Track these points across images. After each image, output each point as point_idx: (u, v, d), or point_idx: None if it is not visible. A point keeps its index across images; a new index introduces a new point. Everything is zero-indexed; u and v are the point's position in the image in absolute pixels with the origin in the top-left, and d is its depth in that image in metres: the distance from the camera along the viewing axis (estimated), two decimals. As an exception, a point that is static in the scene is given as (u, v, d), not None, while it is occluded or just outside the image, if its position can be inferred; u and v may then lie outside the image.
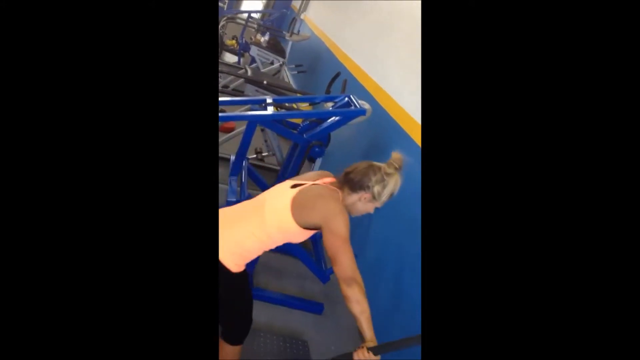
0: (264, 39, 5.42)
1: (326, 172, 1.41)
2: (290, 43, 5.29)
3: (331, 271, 2.10)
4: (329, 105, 2.43)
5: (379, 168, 1.29)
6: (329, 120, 2.21)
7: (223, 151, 2.95)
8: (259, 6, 8.76)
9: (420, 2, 2.15)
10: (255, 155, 3.23)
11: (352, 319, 1.16)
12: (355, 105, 2.22)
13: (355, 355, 1.12)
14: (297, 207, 1.24)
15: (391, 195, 1.30)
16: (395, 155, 1.30)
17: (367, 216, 1.40)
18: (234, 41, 5.80)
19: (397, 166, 1.28)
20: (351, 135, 2.94)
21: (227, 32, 6.14)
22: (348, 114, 2.18)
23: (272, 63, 5.10)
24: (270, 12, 7.66)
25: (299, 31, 5.45)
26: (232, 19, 5.82)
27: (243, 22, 5.49)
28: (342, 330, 2.12)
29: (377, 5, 3.23)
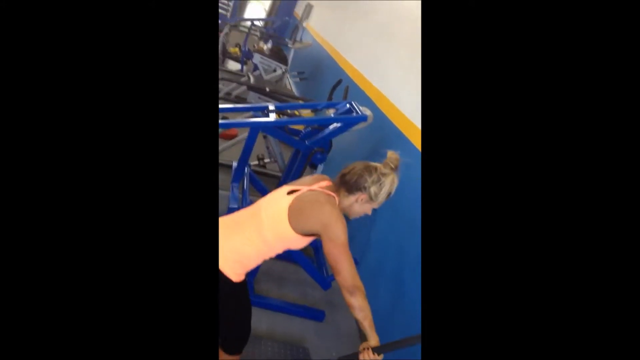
0: (266, 46, 5.46)
1: (322, 176, 1.38)
2: (292, 51, 5.32)
3: (332, 278, 2.10)
4: (331, 112, 2.44)
5: (375, 168, 1.27)
6: (331, 126, 2.22)
7: (225, 158, 2.97)
8: (262, 14, 8.83)
9: (420, 6, 2.16)
10: (257, 162, 3.25)
11: (353, 326, 1.19)
12: (356, 112, 2.23)
13: (361, 356, 1.17)
14: (294, 215, 1.22)
15: (389, 195, 1.28)
16: (391, 154, 1.29)
17: (369, 219, 1.41)
18: (237, 49, 5.85)
19: (393, 166, 1.27)
20: (352, 141, 2.95)
21: (230, 40, 6.19)
22: (350, 120, 2.19)
23: (274, 70, 5.14)
24: (273, 20, 7.72)
25: (301, 39, 5.49)
26: (235, 27, 5.87)
27: (246, 29, 5.54)
28: (343, 337, 2.11)
29: (378, 9, 3.25)
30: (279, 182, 2.65)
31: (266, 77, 4.82)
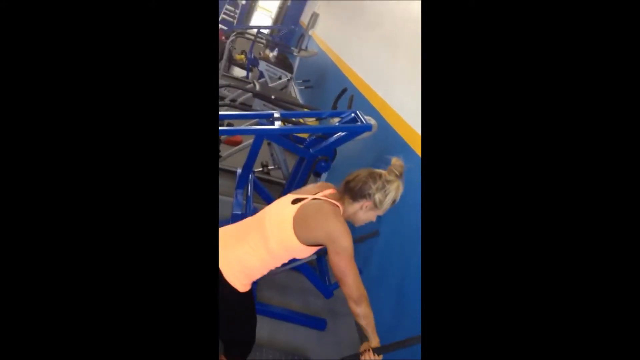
0: (272, 54, 5.50)
1: (327, 184, 1.38)
2: (298, 59, 5.35)
3: (335, 286, 2.09)
4: (336, 121, 2.45)
5: (380, 175, 1.26)
6: (335, 135, 2.23)
7: (230, 164, 2.97)
8: (269, 22, 8.90)
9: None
10: (261, 169, 3.25)
11: (355, 335, 1.21)
12: (361, 121, 2.24)
13: (362, 357, 1.23)
14: (299, 225, 1.22)
15: (393, 202, 1.27)
16: (395, 161, 1.28)
17: (373, 226, 1.41)
18: (243, 56, 5.89)
19: (397, 173, 1.26)
20: (357, 149, 2.95)
21: (237, 47, 6.24)
22: (354, 129, 2.20)
23: (279, 78, 5.16)
24: (279, 28, 7.78)
25: (306, 47, 5.52)
26: (241, 34, 5.91)
27: (252, 37, 5.58)
28: (344, 346, 2.10)
29: (383, 19, 3.28)
30: (283, 190, 2.66)
31: (271, 84, 4.85)
